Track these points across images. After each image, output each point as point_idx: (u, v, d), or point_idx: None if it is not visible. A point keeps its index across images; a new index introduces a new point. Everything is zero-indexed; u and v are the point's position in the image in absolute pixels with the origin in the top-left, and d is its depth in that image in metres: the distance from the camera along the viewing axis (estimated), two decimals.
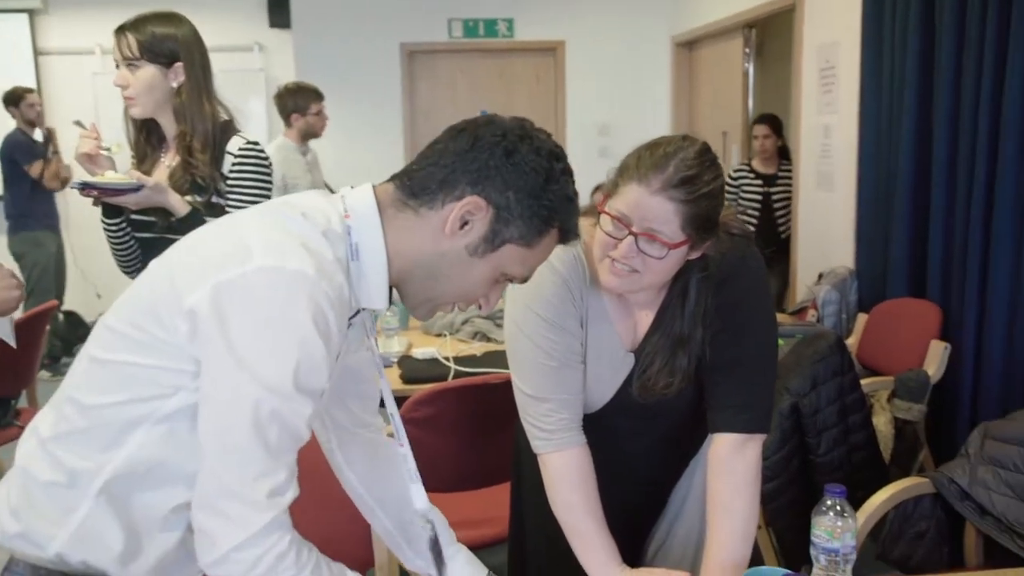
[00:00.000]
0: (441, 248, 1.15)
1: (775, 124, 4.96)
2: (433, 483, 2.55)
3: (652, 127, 6.43)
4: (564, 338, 1.52)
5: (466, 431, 2.51)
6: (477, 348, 3.36)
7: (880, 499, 2.16)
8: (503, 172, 1.14)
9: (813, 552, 1.41)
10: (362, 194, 1.17)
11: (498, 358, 3.19)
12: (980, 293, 3.18)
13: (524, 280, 1.24)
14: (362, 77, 6.40)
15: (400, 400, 2.60)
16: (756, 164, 5.02)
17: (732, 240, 1.50)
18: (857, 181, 4.11)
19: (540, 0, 6.48)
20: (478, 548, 2.58)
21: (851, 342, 3.72)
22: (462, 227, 1.14)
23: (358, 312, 1.22)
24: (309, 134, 4.59)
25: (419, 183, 1.15)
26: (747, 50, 5.54)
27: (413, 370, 3.10)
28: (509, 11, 6.45)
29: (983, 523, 2.19)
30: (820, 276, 4.18)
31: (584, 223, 1.49)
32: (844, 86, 4.26)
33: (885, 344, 3.62)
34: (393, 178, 1.19)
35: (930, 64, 3.50)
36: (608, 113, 6.56)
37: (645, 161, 1.37)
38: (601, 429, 1.60)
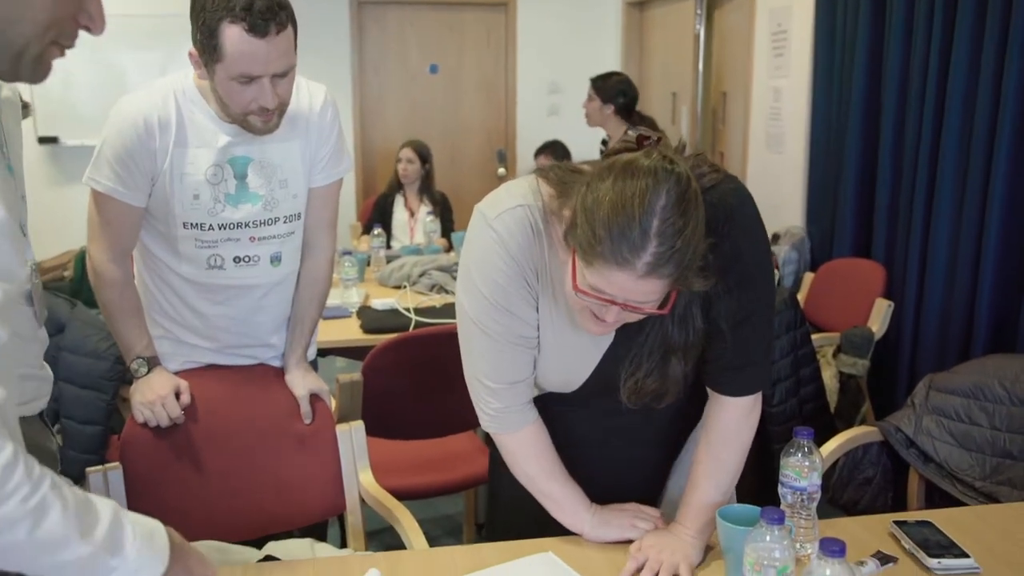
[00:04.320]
0: None
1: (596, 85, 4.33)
2: (396, 431, 2.60)
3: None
4: (512, 322, 1.39)
5: (429, 380, 2.54)
6: (436, 300, 3.37)
7: (832, 446, 2.25)
8: None
9: (781, 491, 1.47)
10: None
11: None
12: (922, 253, 3.30)
13: None
14: (310, 28, 6.25)
15: (363, 350, 2.62)
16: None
17: (714, 190, 1.30)
18: (807, 143, 4.20)
19: None
20: (437, 495, 2.63)
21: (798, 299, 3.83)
22: None
23: None
24: None
25: None
26: (698, 11, 5.57)
27: (373, 320, 3.11)
28: None
29: (926, 469, 2.30)
30: (776, 236, 4.27)
31: (543, 186, 1.37)
32: (795, 50, 4.33)
33: (831, 302, 3.74)
34: None
35: (881, 30, 3.59)
36: (559, 71, 6.55)
37: (618, 239, 1.15)
38: (586, 408, 1.52)
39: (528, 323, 1.41)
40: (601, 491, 1.55)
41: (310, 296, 2.08)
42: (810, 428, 1.46)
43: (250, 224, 1.92)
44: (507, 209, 1.36)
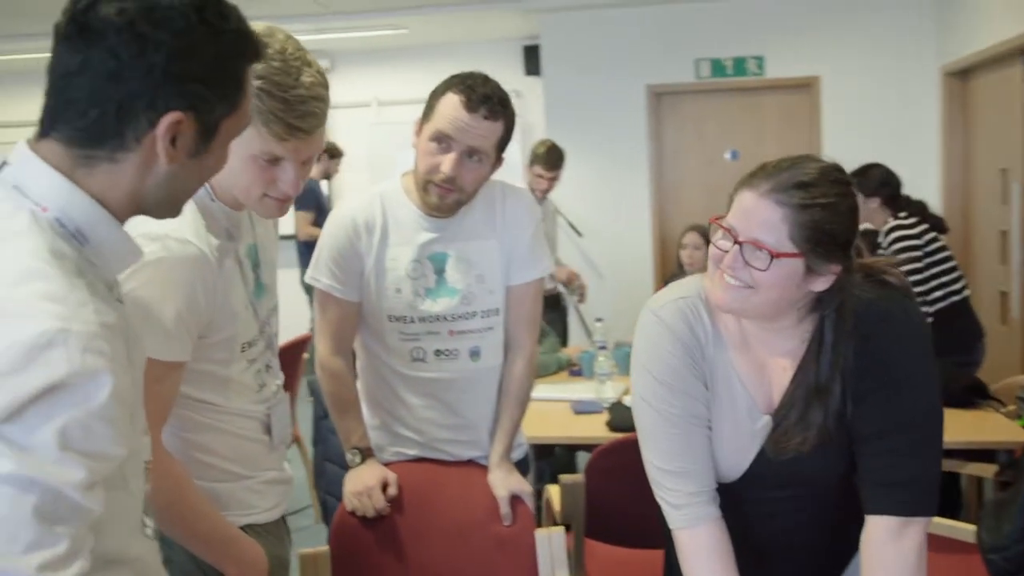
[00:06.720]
0: (161, 174, 1.01)
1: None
2: (619, 536, 2.51)
3: (919, 164, 5.95)
4: (685, 402, 1.45)
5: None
6: None
7: None
8: (170, 68, 0.96)
9: None
10: (39, 176, 0.98)
11: None
12: None
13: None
14: (608, 119, 6.47)
15: (589, 447, 2.58)
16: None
17: (882, 289, 1.38)
18: None
19: (793, 36, 6.21)
20: None
21: None
22: (174, 145, 1.00)
23: None
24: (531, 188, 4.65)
25: (93, 130, 0.97)
26: None
27: (622, 419, 3.05)
28: (759, 48, 6.24)
29: None
30: None
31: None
32: None
33: None
34: (47, 135, 1.00)
35: None
36: (869, 151, 6.07)
37: (761, 169, 1.35)
38: (743, 504, 1.49)
39: (699, 400, 1.46)
40: None
41: (509, 395, 2.11)
42: None
43: (448, 317, 2.01)
44: (670, 301, 1.49)
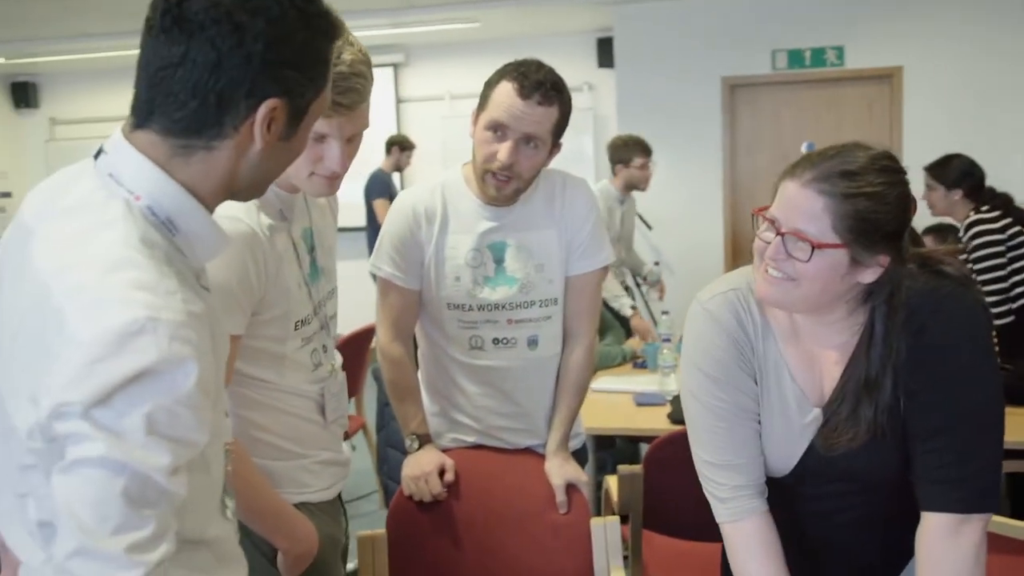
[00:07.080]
0: (254, 158, 1.04)
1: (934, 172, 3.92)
2: (677, 528, 2.49)
3: (1010, 156, 5.73)
4: (732, 395, 1.42)
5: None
6: None
7: None
8: (267, 55, 0.97)
9: None
10: (136, 165, 1.00)
11: None
12: None
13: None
14: (682, 112, 6.39)
15: (651, 438, 2.56)
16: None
17: (938, 279, 1.33)
18: None
19: (874, 24, 6.03)
20: None
21: None
22: (269, 130, 1.02)
23: None
24: (631, 185, 4.63)
25: (192, 120, 0.99)
26: None
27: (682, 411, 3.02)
28: (839, 38, 6.08)
29: None
30: None
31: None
32: None
33: None
34: (142, 126, 1.01)
35: None
36: (955, 143, 5.89)
37: (806, 158, 1.30)
38: (793, 500, 1.46)
39: (747, 394, 1.43)
40: None
41: (567, 384, 2.10)
42: None
43: (507, 306, 2.02)
44: (719, 293, 1.46)
